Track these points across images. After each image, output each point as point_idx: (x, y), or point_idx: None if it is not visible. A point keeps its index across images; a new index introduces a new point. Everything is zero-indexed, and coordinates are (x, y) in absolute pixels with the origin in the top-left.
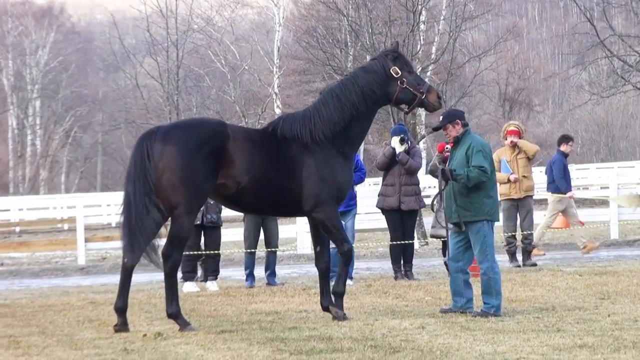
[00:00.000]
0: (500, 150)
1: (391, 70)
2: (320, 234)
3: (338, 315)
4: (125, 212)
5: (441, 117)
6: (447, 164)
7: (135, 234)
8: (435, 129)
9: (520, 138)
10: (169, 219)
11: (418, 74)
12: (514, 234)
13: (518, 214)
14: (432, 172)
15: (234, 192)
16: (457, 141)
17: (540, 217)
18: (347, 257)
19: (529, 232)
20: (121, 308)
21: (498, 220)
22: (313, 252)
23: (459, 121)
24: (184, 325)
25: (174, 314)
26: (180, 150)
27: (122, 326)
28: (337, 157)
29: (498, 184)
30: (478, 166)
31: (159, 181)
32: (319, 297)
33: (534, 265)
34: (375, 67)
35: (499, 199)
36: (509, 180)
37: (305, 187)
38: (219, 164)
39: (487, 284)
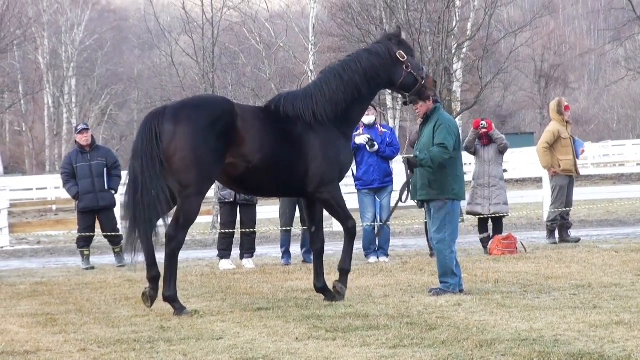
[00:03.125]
0: (560, 127)
1: (397, 55)
2: (316, 215)
3: (341, 292)
4: (131, 188)
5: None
6: (416, 142)
7: (141, 211)
8: (405, 104)
9: None
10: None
11: (453, 49)
12: (563, 210)
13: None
14: (467, 149)
15: (243, 172)
16: (426, 118)
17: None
18: (352, 233)
19: (570, 208)
20: (154, 277)
21: (464, 199)
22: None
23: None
24: (180, 309)
25: (171, 297)
26: (192, 130)
27: (151, 291)
28: (340, 137)
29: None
30: (438, 143)
31: (170, 161)
32: (313, 278)
33: (577, 240)
34: (379, 50)
35: (560, 169)
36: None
37: (311, 167)
38: (229, 143)
39: (442, 264)
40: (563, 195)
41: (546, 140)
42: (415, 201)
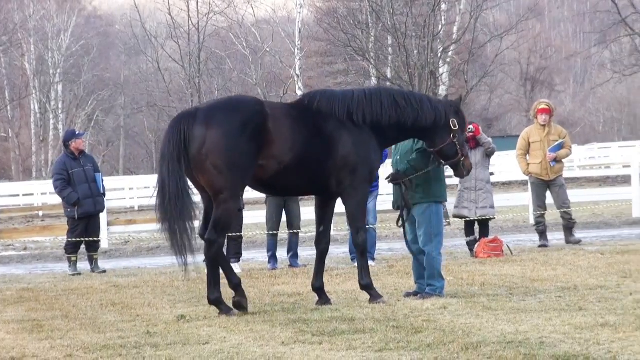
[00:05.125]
0: (530, 130)
1: (450, 121)
2: (327, 214)
3: (376, 299)
4: (160, 194)
5: None
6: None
7: (172, 218)
8: (438, 166)
9: (551, 116)
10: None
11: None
12: (543, 212)
13: (549, 193)
14: None
15: (274, 173)
16: None
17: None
18: (363, 248)
19: (567, 208)
20: (217, 299)
21: (446, 201)
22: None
23: None
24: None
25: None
26: (224, 133)
27: (226, 312)
28: (372, 139)
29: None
30: (418, 149)
31: (202, 165)
32: (312, 278)
33: (579, 241)
34: (439, 107)
35: (530, 174)
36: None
37: (343, 164)
38: (261, 145)
39: (430, 266)
40: (538, 198)
41: (518, 148)
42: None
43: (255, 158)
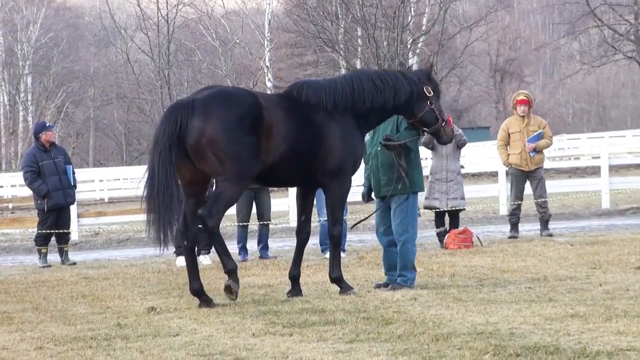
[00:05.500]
0: (510, 121)
1: (424, 89)
2: (308, 204)
3: (347, 290)
4: (149, 182)
5: None
6: (372, 136)
7: (159, 208)
8: (423, 134)
9: (530, 107)
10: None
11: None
12: (519, 203)
13: (529, 184)
14: (425, 144)
15: (269, 165)
16: None
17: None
18: (337, 240)
19: (544, 200)
20: (197, 290)
21: (423, 190)
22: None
23: None
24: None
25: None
26: (223, 127)
27: (206, 303)
28: (356, 130)
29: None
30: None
31: (203, 154)
32: (290, 266)
33: (551, 235)
34: (413, 78)
35: (510, 165)
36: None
37: (330, 155)
38: (259, 137)
39: (404, 257)
40: (517, 189)
41: (499, 139)
42: (376, 198)
43: (257, 150)
